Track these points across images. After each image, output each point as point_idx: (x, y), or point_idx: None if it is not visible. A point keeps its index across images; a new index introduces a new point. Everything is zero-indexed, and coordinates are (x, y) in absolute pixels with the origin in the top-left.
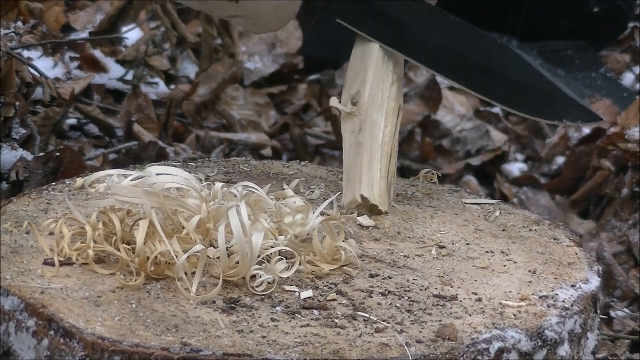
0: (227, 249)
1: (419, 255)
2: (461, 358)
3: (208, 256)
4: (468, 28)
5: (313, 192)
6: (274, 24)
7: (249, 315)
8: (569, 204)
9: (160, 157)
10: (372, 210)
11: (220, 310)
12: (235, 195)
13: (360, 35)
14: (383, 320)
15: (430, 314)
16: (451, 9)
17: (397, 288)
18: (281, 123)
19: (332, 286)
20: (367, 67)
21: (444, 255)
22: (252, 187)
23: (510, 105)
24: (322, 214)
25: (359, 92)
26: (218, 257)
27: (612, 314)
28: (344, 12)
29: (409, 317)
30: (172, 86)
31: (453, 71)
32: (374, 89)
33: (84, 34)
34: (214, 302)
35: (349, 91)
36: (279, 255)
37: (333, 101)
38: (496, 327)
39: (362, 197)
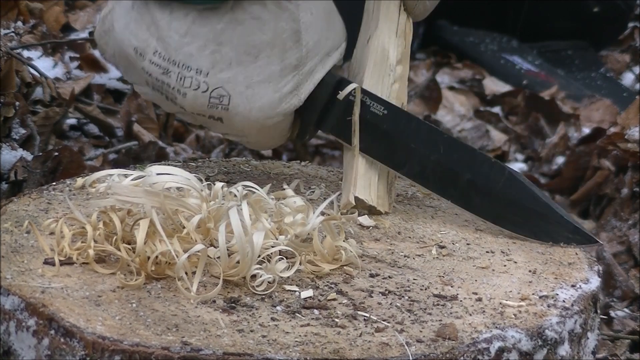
0: (227, 249)
1: (419, 255)
2: (461, 358)
3: (208, 256)
4: (462, 147)
5: (313, 192)
6: (267, 143)
7: (250, 315)
8: (569, 204)
9: (160, 157)
10: (372, 210)
11: (220, 310)
12: (235, 195)
13: (360, 36)
14: (383, 320)
15: (430, 314)
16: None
17: (398, 288)
18: None
19: (333, 286)
20: (365, 67)
21: (444, 255)
22: (252, 187)
23: (503, 225)
24: (322, 214)
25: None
26: (218, 257)
27: (612, 314)
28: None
29: (409, 316)
30: None
31: (446, 189)
32: (372, 89)
33: (84, 34)
34: (214, 301)
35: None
36: (280, 255)
37: None
38: (496, 327)
39: (356, 199)
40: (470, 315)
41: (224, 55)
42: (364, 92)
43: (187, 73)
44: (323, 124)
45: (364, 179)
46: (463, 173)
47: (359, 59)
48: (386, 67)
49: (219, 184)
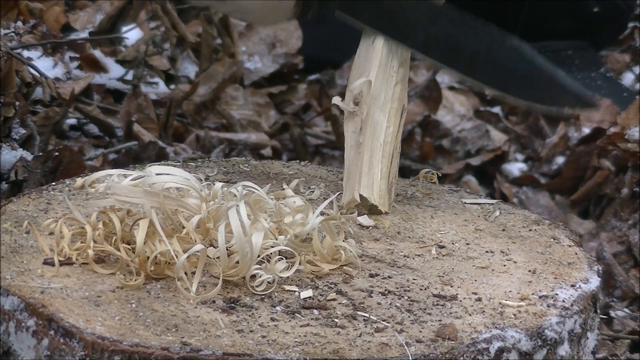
0: (227, 249)
1: (419, 255)
2: (461, 358)
3: (208, 256)
4: (466, 17)
5: (313, 192)
6: (270, 19)
7: (249, 315)
8: (569, 204)
9: (160, 157)
10: (372, 210)
11: (220, 310)
12: (235, 195)
13: (365, 35)
14: (383, 320)
15: (430, 314)
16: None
17: (397, 288)
18: (281, 123)
19: (332, 286)
20: (371, 67)
21: (444, 255)
22: (252, 187)
23: (507, 92)
24: (322, 213)
25: (362, 91)
26: (218, 257)
27: (612, 314)
28: (342, 3)
29: (409, 316)
30: (172, 86)
31: (451, 59)
32: (377, 89)
33: (84, 34)
34: (214, 301)
35: (352, 91)
36: (279, 255)
37: (335, 100)
38: (496, 327)
39: (360, 197)
40: (470, 315)
41: None
42: None
43: None
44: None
45: (367, 177)
46: (466, 44)
47: (364, 57)
48: (390, 68)
49: (218, 184)
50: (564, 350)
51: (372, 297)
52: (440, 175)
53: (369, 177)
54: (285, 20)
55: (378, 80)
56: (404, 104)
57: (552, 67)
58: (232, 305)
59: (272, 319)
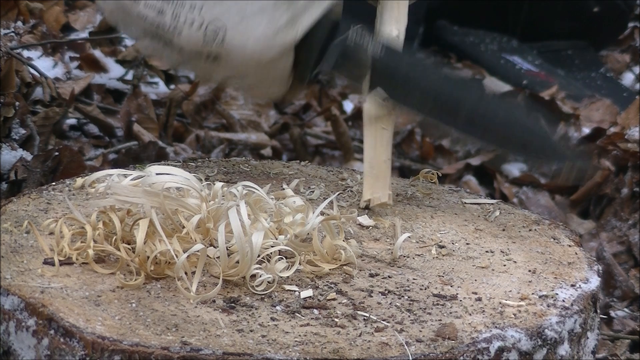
0: (227, 249)
1: (419, 255)
2: (461, 357)
3: (208, 256)
4: (459, 79)
5: (313, 192)
6: (268, 87)
7: (249, 315)
8: (569, 204)
9: (160, 157)
10: (382, 205)
11: (220, 310)
12: (235, 195)
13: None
14: (383, 320)
15: (430, 314)
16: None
17: (397, 287)
18: (281, 123)
19: (332, 286)
20: None
21: (444, 255)
22: (252, 187)
23: (510, 149)
24: (322, 213)
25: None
26: (218, 257)
27: (612, 314)
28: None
29: (409, 316)
30: (172, 86)
31: (449, 120)
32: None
33: (84, 34)
34: (214, 301)
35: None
36: (279, 255)
37: (365, 101)
38: (496, 327)
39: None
40: (470, 315)
41: None
42: (363, 33)
43: (181, 10)
44: (323, 63)
45: (388, 176)
46: (462, 105)
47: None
48: None
49: (218, 184)
50: (564, 350)
51: (372, 296)
52: (440, 175)
53: (388, 178)
54: (283, 90)
55: None
56: None
57: (545, 132)
58: (232, 305)
59: (272, 319)
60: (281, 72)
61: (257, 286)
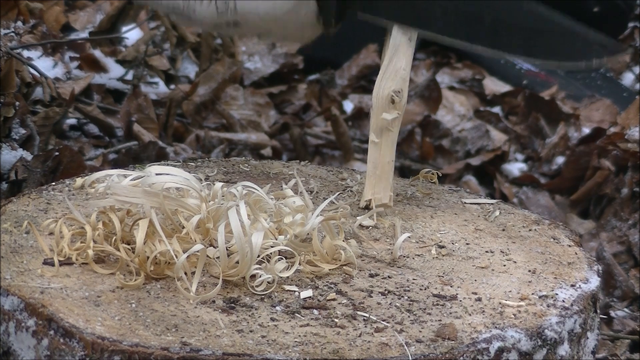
0: (227, 249)
1: (418, 255)
2: (461, 358)
3: (208, 256)
4: None
5: (313, 192)
6: (296, 35)
7: (249, 315)
8: (569, 204)
9: (160, 157)
10: (383, 206)
11: (220, 310)
12: (235, 195)
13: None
14: (383, 320)
15: (430, 314)
16: None
17: (397, 288)
18: (281, 123)
19: (332, 286)
20: (407, 65)
21: (443, 255)
22: (252, 187)
23: (534, 56)
24: (322, 213)
25: (402, 90)
26: (218, 257)
27: (612, 314)
28: (363, 4)
29: (408, 316)
30: (172, 86)
31: (474, 34)
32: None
33: (84, 34)
34: (213, 301)
35: (388, 88)
36: (279, 255)
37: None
38: (496, 327)
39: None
40: (470, 315)
41: None
42: None
43: None
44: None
45: (391, 177)
46: (484, 16)
47: (402, 54)
48: (397, 68)
49: (218, 184)
50: (564, 350)
51: (372, 297)
52: (440, 175)
53: (391, 178)
54: (314, 34)
55: (386, 75)
56: (404, 104)
57: (572, 22)
58: (232, 305)
59: (272, 319)
60: (305, 18)
61: (257, 286)
